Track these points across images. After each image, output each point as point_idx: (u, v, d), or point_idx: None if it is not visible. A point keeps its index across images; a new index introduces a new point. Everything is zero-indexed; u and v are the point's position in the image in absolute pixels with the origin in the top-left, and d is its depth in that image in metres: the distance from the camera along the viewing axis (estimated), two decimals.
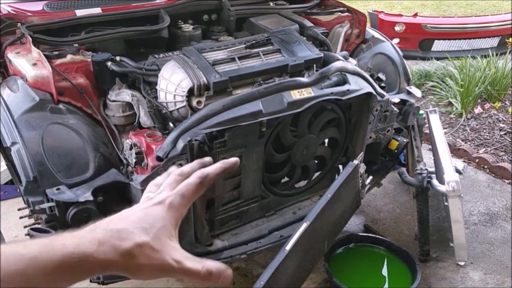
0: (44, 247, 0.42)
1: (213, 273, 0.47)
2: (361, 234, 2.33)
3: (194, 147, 1.50)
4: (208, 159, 0.57)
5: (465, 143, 3.28)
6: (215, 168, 0.53)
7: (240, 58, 1.67)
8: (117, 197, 1.51)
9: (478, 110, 3.63)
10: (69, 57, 1.67)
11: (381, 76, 2.06)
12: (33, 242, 0.42)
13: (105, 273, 0.44)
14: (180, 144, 1.45)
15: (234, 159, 0.55)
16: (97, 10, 1.97)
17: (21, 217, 1.52)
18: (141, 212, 0.48)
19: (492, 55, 4.01)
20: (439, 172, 2.12)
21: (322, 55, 1.82)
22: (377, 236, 2.24)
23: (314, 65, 1.81)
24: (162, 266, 0.46)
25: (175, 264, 0.46)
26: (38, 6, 2.00)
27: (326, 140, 2.01)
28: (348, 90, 1.73)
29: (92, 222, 0.46)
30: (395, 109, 1.98)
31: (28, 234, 1.36)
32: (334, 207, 1.75)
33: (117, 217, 0.47)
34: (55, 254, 0.42)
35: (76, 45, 1.75)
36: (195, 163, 0.56)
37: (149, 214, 0.47)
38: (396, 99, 2.11)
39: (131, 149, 1.48)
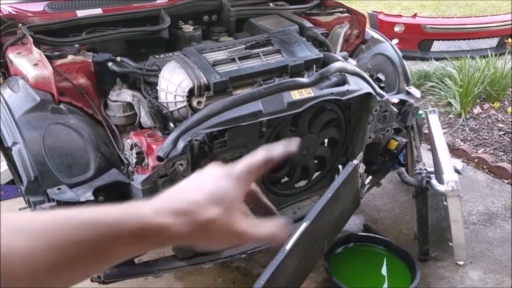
0: (122, 216, 0.41)
1: (276, 235, 0.49)
2: (360, 233, 2.33)
3: (194, 147, 1.51)
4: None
5: (464, 143, 3.29)
6: (279, 150, 0.54)
7: (240, 58, 1.68)
8: (118, 197, 1.52)
9: (477, 110, 3.64)
10: (70, 57, 1.67)
11: (381, 76, 2.07)
12: (110, 209, 0.42)
13: (175, 244, 0.44)
14: (181, 144, 1.46)
15: (295, 142, 0.54)
16: (98, 11, 1.98)
17: None
18: (213, 183, 0.48)
19: (491, 55, 4.02)
20: (438, 172, 2.12)
21: (322, 55, 1.83)
22: (377, 236, 2.24)
23: (314, 66, 1.81)
24: (231, 237, 0.47)
25: (242, 233, 0.47)
26: (39, 7, 2.00)
27: (326, 140, 2.02)
28: (347, 90, 1.74)
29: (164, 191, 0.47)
30: (395, 109, 1.98)
31: None
32: (333, 207, 1.76)
33: (191, 187, 0.48)
34: (133, 224, 0.41)
35: (77, 45, 1.76)
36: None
37: (220, 186, 0.48)
38: (395, 99, 2.12)
39: (131, 149, 1.49)
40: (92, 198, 1.39)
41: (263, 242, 0.51)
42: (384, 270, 2.12)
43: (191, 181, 0.49)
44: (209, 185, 0.47)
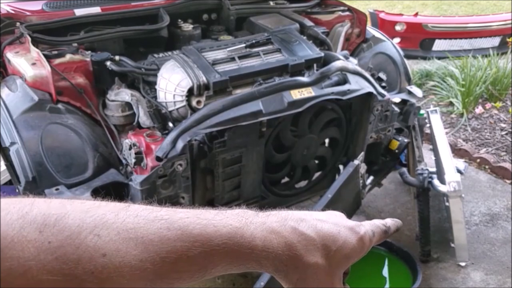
0: (235, 234, 0.37)
1: None
2: None
3: (193, 147, 1.49)
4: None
5: (466, 143, 3.27)
6: (394, 225, 0.50)
7: (240, 57, 1.67)
8: (117, 198, 1.51)
9: (479, 110, 3.62)
10: (68, 56, 1.66)
11: (382, 75, 2.05)
12: (223, 222, 0.37)
13: (258, 269, 0.39)
14: (180, 144, 1.44)
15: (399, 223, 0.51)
16: (96, 10, 1.96)
17: None
18: (334, 227, 0.42)
19: (493, 54, 4.00)
20: (440, 172, 2.11)
21: (323, 54, 1.81)
22: None
23: (315, 65, 1.80)
24: None
25: None
26: (37, 6, 1.99)
27: (327, 140, 2.01)
28: (348, 89, 1.72)
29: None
30: (396, 109, 1.97)
31: None
32: (334, 207, 1.74)
33: (310, 218, 0.42)
34: (242, 245, 0.37)
35: (75, 44, 1.74)
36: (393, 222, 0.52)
37: (339, 237, 0.42)
38: (397, 98, 2.10)
39: (130, 149, 1.47)
40: (90, 198, 1.38)
41: None
42: (385, 271, 2.10)
43: (331, 216, 0.43)
44: (330, 227, 0.42)
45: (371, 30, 2.41)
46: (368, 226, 0.45)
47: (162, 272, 0.35)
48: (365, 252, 0.45)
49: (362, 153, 1.93)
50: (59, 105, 1.58)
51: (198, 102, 1.56)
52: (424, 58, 4.75)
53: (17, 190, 1.62)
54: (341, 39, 2.23)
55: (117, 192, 1.50)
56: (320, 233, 0.40)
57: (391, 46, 2.32)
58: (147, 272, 0.34)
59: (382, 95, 1.86)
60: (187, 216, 0.37)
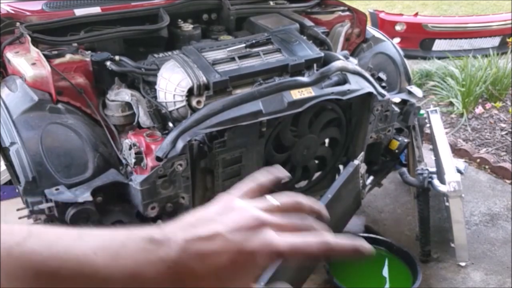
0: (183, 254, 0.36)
1: None
2: (361, 234, 2.32)
3: (193, 147, 1.49)
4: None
5: (466, 143, 3.27)
6: (343, 246, 0.41)
7: (240, 57, 1.67)
8: (116, 198, 1.51)
9: (479, 110, 3.62)
10: (68, 56, 1.66)
11: (382, 75, 2.05)
12: (170, 239, 0.37)
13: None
14: (180, 144, 1.44)
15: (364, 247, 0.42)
16: (96, 10, 1.96)
17: (20, 218, 1.51)
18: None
19: (493, 54, 4.00)
20: (440, 172, 2.11)
21: (323, 54, 1.81)
22: (378, 237, 2.23)
23: (315, 65, 1.80)
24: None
25: None
26: (37, 6, 1.99)
27: (327, 140, 2.01)
28: (348, 89, 1.72)
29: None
30: (396, 109, 1.97)
31: None
32: (334, 207, 1.74)
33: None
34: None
35: (75, 44, 1.74)
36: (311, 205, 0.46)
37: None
38: (397, 98, 2.10)
39: (130, 149, 1.47)
40: (90, 199, 1.38)
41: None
42: (385, 271, 2.10)
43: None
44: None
45: (371, 30, 2.40)
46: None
47: (123, 284, 0.35)
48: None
49: (362, 153, 1.92)
50: (59, 105, 1.58)
51: (198, 102, 1.56)
52: (424, 58, 4.75)
53: (17, 190, 1.63)
54: (341, 39, 2.23)
55: (117, 192, 1.50)
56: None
57: (391, 46, 2.32)
58: (114, 284, 0.34)
59: (382, 95, 1.86)
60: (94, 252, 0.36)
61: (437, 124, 2.31)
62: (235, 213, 0.41)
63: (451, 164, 2.08)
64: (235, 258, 0.38)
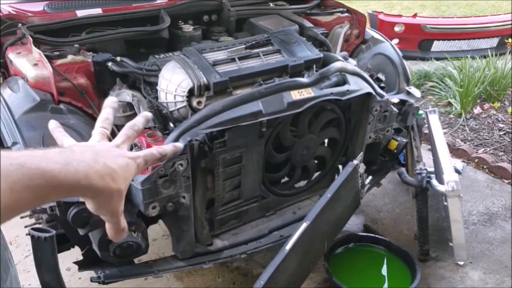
0: (63, 168, 0.48)
1: (123, 231, 0.62)
2: (360, 233, 2.33)
3: (194, 147, 1.50)
4: (150, 115, 0.74)
5: (465, 143, 3.29)
6: (169, 148, 0.68)
7: (240, 58, 1.68)
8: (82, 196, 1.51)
9: (477, 110, 3.64)
10: (69, 57, 1.67)
11: (381, 76, 2.07)
12: (52, 159, 0.48)
13: (77, 195, 0.53)
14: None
15: (180, 145, 0.70)
16: (97, 11, 1.97)
17: (22, 217, 1.52)
18: (124, 160, 0.58)
19: (492, 55, 4.02)
20: (438, 172, 2.12)
21: (322, 55, 1.82)
22: (377, 236, 2.24)
23: (314, 66, 1.81)
24: (114, 211, 0.58)
25: (119, 213, 0.59)
26: (38, 7, 2.00)
27: (326, 140, 2.02)
28: (347, 90, 1.74)
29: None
30: (395, 109, 1.98)
31: (29, 234, 1.37)
32: (333, 207, 1.75)
33: (110, 154, 0.56)
34: (70, 178, 0.49)
35: (77, 45, 1.75)
36: (142, 118, 0.72)
37: (128, 167, 0.58)
38: (395, 99, 2.12)
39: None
40: None
41: (114, 229, 0.62)
42: (384, 270, 2.12)
43: (108, 148, 0.60)
44: (122, 161, 0.57)
45: (370, 31, 2.42)
46: (142, 157, 0.62)
47: (12, 198, 0.43)
48: (139, 171, 0.61)
49: (361, 153, 1.94)
50: (61, 106, 1.58)
51: (199, 103, 1.57)
52: (423, 59, 4.77)
53: None
54: (340, 40, 2.25)
55: None
56: (119, 166, 0.56)
57: (390, 47, 2.33)
58: (1, 199, 0.42)
59: (381, 96, 1.87)
60: (22, 155, 0.46)
61: (435, 124, 2.32)
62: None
63: (449, 164, 2.09)
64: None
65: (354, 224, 2.51)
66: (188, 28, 2.03)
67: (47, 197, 0.48)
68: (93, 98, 1.67)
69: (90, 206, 0.56)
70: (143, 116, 0.72)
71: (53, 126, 0.68)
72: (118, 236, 0.62)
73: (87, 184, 0.51)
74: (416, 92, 2.19)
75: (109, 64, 1.63)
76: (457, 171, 2.13)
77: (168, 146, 0.68)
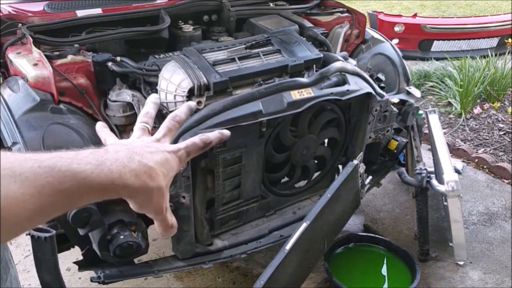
0: (96, 169, 0.46)
1: (173, 228, 0.59)
2: (360, 233, 2.33)
3: None
4: (193, 105, 0.69)
5: (464, 143, 3.29)
6: (215, 135, 0.62)
7: (240, 58, 1.68)
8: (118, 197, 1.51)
9: (477, 110, 3.64)
10: (69, 57, 1.67)
11: (381, 76, 2.07)
12: (84, 160, 0.46)
13: (112, 197, 0.49)
14: None
15: (227, 132, 0.64)
16: (97, 11, 1.97)
17: None
18: (163, 155, 0.54)
19: (492, 55, 4.02)
20: (438, 172, 2.12)
21: (322, 55, 1.82)
22: (377, 236, 2.24)
23: (314, 66, 1.81)
24: (157, 209, 0.55)
25: (164, 210, 0.56)
26: (38, 7, 2.00)
27: (326, 140, 2.02)
28: (347, 90, 1.74)
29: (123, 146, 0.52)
30: (395, 109, 1.98)
31: (29, 234, 1.37)
32: (333, 207, 1.76)
33: (146, 151, 0.53)
34: (103, 178, 0.46)
35: (77, 45, 1.75)
36: (185, 108, 0.67)
37: (168, 161, 0.54)
38: (395, 99, 2.12)
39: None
40: None
41: (164, 227, 0.59)
42: (384, 270, 2.12)
43: (147, 144, 0.55)
44: (161, 156, 0.54)
45: (370, 31, 2.42)
46: (183, 149, 0.58)
47: (41, 203, 0.42)
48: (183, 163, 0.58)
49: (361, 153, 1.94)
50: (61, 106, 1.58)
51: (199, 103, 1.57)
52: (423, 59, 4.77)
53: None
54: (340, 40, 2.25)
55: None
56: (156, 162, 0.52)
57: (390, 47, 2.33)
58: (28, 203, 0.41)
59: (381, 96, 1.88)
60: (52, 157, 0.44)
61: (435, 124, 2.32)
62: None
63: (449, 164, 2.09)
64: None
65: (354, 224, 2.51)
66: (188, 28, 2.03)
67: (80, 200, 0.46)
68: (93, 98, 1.67)
69: (132, 205, 0.54)
70: (186, 106, 0.67)
71: (99, 126, 0.65)
72: (167, 233, 0.59)
73: (122, 184, 0.48)
74: (416, 92, 2.19)
75: (109, 64, 1.63)
76: (457, 171, 2.13)
77: (214, 134, 0.62)
